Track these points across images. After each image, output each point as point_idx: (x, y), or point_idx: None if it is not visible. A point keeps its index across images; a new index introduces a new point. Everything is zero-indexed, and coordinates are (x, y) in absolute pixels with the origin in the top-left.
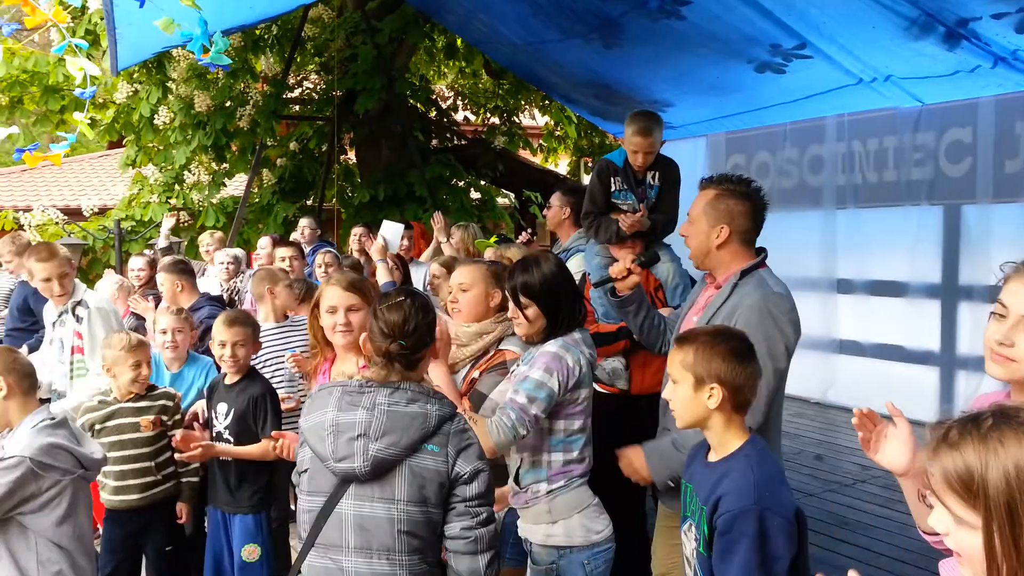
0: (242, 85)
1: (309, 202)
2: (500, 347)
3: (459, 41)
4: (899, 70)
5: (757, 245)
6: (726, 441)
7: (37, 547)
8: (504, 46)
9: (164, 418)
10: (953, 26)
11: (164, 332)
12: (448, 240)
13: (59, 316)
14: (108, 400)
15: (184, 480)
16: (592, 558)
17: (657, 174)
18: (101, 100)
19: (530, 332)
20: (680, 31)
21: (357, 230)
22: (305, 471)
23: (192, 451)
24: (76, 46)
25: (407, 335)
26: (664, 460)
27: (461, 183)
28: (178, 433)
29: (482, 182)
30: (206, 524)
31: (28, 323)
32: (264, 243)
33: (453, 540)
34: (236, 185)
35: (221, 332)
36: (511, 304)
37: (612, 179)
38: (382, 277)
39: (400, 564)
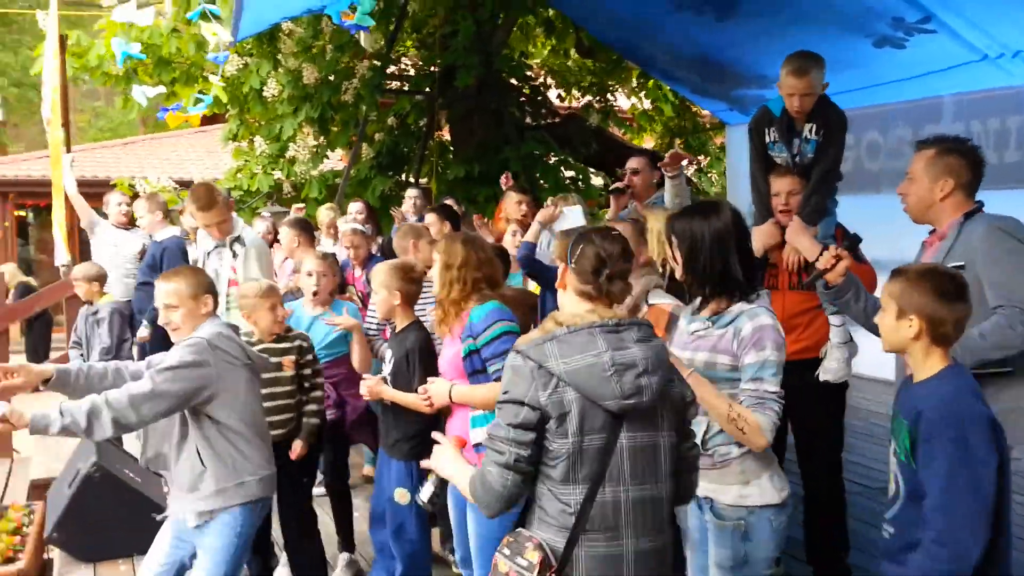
0: (347, 59)
1: (404, 177)
2: (649, 301)
3: (555, 18)
4: None
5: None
6: (926, 368)
7: (224, 432)
8: (607, 21)
9: (299, 359)
10: None
11: (310, 275)
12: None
13: (214, 248)
14: (252, 341)
15: (304, 419)
16: (776, 515)
17: (815, 127)
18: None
19: (683, 277)
20: (798, 3)
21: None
22: (564, 414)
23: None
24: (210, 12)
25: (624, 265)
26: (972, 347)
27: (555, 160)
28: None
29: (573, 160)
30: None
31: (154, 278)
32: (358, 207)
33: (685, 461)
34: (334, 159)
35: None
36: (668, 246)
37: (767, 130)
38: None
39: (662, 487)
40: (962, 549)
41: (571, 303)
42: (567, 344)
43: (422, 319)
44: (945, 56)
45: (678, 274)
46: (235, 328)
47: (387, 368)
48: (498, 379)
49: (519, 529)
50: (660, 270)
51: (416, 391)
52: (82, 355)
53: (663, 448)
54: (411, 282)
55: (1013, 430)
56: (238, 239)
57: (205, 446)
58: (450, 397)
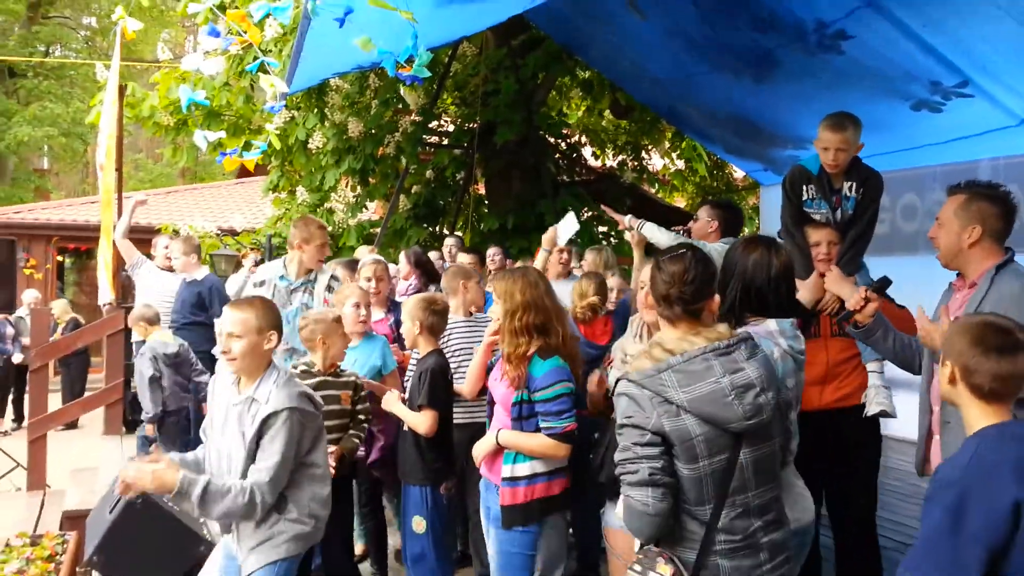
0: (390, 113)
1: (440, 228)
2: None
3: (593, 78)
4: None
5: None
6: (969, 421)
7: (305, 482)
8: (645, 81)
9: (354, 395)
10: None
11: (357, 306)
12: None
13: (301, 284)
14: (312, 372)
15: (347, 434)
16: (796, 536)
17: (854, 185)
18: (257, 126)
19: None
20: (836, 66)
21: (492, 250)
22: (689, 441)
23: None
24: (268, 64)
25: (687, 283)
26: None
27: (589, 214)
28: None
29: (606, 216)
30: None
31: (202, 316)
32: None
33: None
34: (371, 209)
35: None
36: None
37: (805, 187)
38: (539, 263)
39: (777, 485)
40: None
41: (663, 330)
42: (684, 374)
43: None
44: (982, 120)
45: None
46: (297, 367)
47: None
48: (550, 435)
49: (648, 546)
50: None
51: (418, 409)
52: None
53: (777, 452)
54: (433, 314)
55: None
56: (333, 276)
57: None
58: (496, 440)
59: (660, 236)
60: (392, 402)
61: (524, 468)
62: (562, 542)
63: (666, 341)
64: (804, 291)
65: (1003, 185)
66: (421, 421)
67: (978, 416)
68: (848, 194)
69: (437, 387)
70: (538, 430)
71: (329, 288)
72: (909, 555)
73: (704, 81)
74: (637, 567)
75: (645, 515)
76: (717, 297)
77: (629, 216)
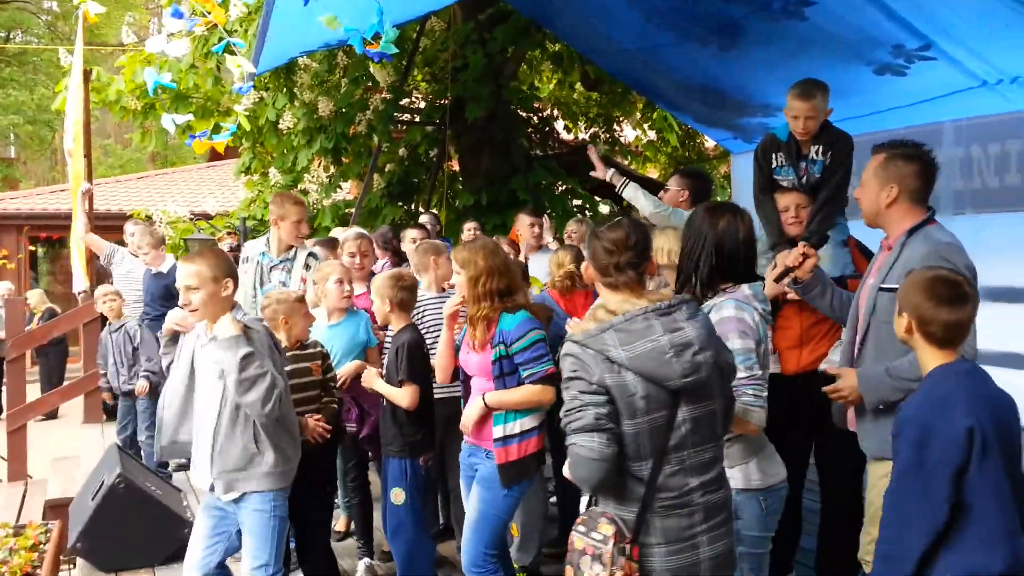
0: (360, 92)
1: (415, 206)
2: None
3: (563, 51)
4: None
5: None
6: (925, 364)
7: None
8: (614, 53)
9: (322, 364)
10: None
11: (340, 282)
12: (554, 239)
13: (280, 261)
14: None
15: (323, 403)
16: (767, 496)
17: (821, 148)
18: (225, 108)
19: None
20: (800, 33)
21: (469, 225)
22: (630, 397)
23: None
24: (233, 45)
25: (629, 248)
26: (875, 384)
27: (562, 188)
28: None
29: (580, 190)
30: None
31: (171, 307)
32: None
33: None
34: (345, 189)
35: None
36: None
37: (774, 155)
38: None
39: (718, 447)
40: (904, 550)
41: (604, 295)
42: (626, 332)
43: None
44: (945, 83)
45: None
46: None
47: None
48: (533, 381)
49: (591, 507)
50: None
51: (399, 385)
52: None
53: (718, 413)
54: (401, 290)
55: None
56: (311, 254)
57: (262, 432)
58: (484, 403)
59: (643, 200)
60: (372, 379)
61: (515, 426)
62: (540, 510)
63: (609, 303)
64: (780, 262)
65: (925, 145)
66: (403, 396)
67: (931, 360)
68: (815, 158)
69: (415, 360)
70: (521, 383)
71: (307, 266)
72: (887, 492)
73: (671, 51)
74: (581, 528)
75: (591, 460)
76: (654, 260)
77: (612, 171)
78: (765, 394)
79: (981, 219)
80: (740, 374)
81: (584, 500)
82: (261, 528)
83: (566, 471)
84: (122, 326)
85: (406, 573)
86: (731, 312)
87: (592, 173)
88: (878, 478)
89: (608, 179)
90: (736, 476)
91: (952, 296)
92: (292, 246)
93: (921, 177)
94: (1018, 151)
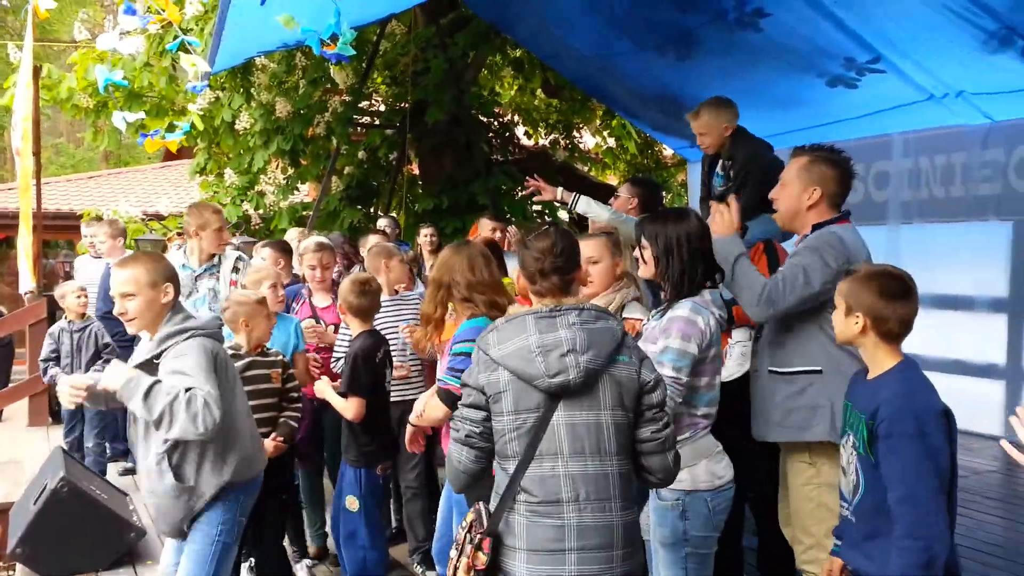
0: (319, 93)
1: (374, 209)
2: (624, 315)
3: (524, 57)
4: (972, 85)
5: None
6: (878, 362)
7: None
8: (573, 60)
9: (283, 373)
10: None
11: (274, 287)
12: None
13: (204, 270)
14: (240, 354)
15: (282, 419)
16: (714, 497)
17: (726, 163)
18: (180, 107)
19: (650, 274)
20: (755, 44)
21: (426, 230)
22: (499, 393)
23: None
24: (189, 43)
25: (556, 256)
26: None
27: (522, 193)
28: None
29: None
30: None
31: None
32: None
33: (645, 443)
34: (303, 191)
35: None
36: (638, 247)
37: (708, 166)
38: None
39: (609, 463)
40: (934, 535)
41: (534, 303)
42: (503, 331)
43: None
44: (894, 96)
45: (647, 273)
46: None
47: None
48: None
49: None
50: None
51: (344, 395)
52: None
53: (607, 426)
54: (361, 295)
55: (817, 424)
56: (239, 257)
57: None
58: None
59: (598, 210)
60: (323, 389)
61: None
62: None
63: (512, 309)
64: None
65: (844, 151)
66: (346, 408)
67: (886, 357)
68: (719, 172)
69: (358, 372)
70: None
71: (235, 269)
72: (896, 514)
73: (629, 59)
74: (463, 513)
75: (456, 470)
76: (585, 270)
77: (561, 189)
78: (678, 399)
79: (927, 228)
80: (665, 372)
81: None
82: (202, 549)
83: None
84: (87, 326)
85: None
86: (684, 313)
87: (537, 199)
88: (801, 483)
89: (559, 198)
90: (684, 478)
91: (902, 291)
92: (214, 254)
93: (842, 183)
94: (963, 163)
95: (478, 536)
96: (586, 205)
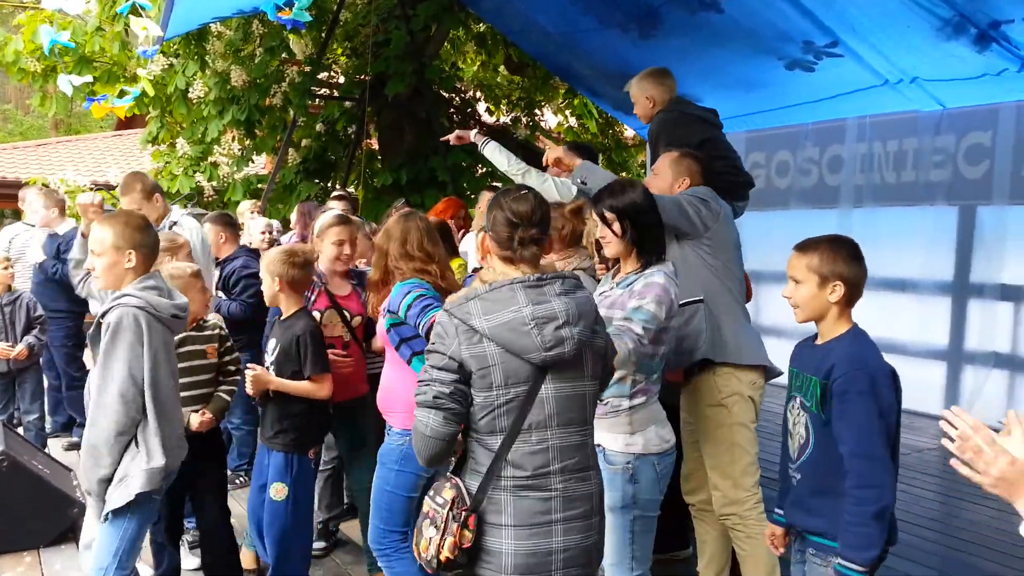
0: (276, 63)
1: (331, 183)
2: None
3: (487, 32)
4: (926, 72)
5: None
6: (837, 329)
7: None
8: (536, 36)
9: (220, 346)
10: (985, 28)
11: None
12: None
13: None
14: None
15: (216, 394)
16: (660, 460)
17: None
18: (132, 73)
19: (619, 251)
20: (716, 24)
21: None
22: (486, 368)
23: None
24: (140, 7)
25: (534, 224)
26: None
27: (482, 171)
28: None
29: (500, 172)
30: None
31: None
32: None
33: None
34: (259, 164)
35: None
36: (600, 226)
37: None
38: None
39: (587, 433)
40: (884, 487)
41: (497, 266)
42: (489, 301)
43: None
44: (851, 80)
45: (613, 249)
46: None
47: (269, 358)
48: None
49: (448, 475)
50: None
51: (308, 379)
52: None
53: (588, 396)
54: (293, 267)
55: (703, 345)
56: (175, 223)
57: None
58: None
59: (499, 157)
60: (268, 379)
61: None
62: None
63: (485, 275)
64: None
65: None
66: (318, 388)
67: (845, 322)
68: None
69: (320, 350)
70: (414, 356)
71: None
72: (850, 466)
73: (593, 37)
74: (431, 492)
75: (423, 436)
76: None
77: (475, 131)
78: (635, 358)
79: (879, 212)
80: (634, 327)
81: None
82: (112, 528)
83: None
84: (17, 298)
85: (280, 570)
86: (661, 280)
87: (454, 141)
88: (713, 427)
89: (472, 139)
90: (637, 441)
91: (859, 254)
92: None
93: (704, 176)
94: (915, 148)
95: (462, 513)
96: (491, 152)
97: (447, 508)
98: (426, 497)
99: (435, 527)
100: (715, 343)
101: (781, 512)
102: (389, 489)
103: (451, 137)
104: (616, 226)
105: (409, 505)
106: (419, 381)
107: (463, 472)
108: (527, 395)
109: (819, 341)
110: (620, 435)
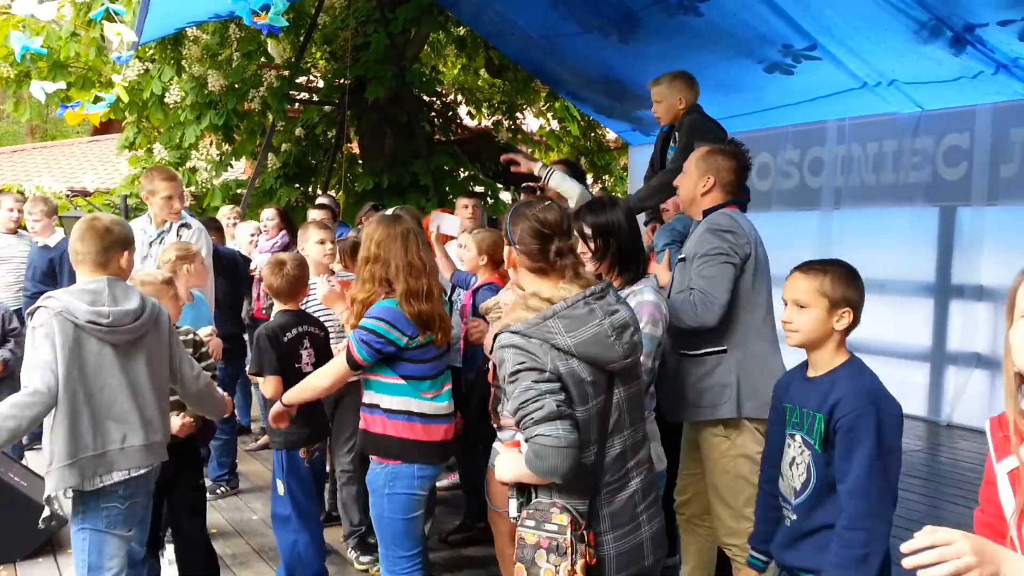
0: (254, 67)
1: (312, 188)
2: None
3: (467, 36)
4: (904, 74)
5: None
6: (834, 359)
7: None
8: (517, 39)
9: (194, 353)
10: (960, 31)
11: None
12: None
13: (158, 236)
14: None
15: None
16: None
17: (677, 135)
18: (107, 79)
19: (595, 268)
20: (696, 28)
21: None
22: (581, 382)
23: None
24: (113, 12)
25: (565, 233)
26: None
27: (464, 175)
28: None
29: (482, 176)
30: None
31: (51, 286)
32: (269, 214)
33: None
34: (238, 169)
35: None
36: (580, 244)
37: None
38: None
39: (643, 427)
40: (874, 532)
41: (533, 282)
42: (569, 319)
43: None
44: (829, 83)
45: (590, 266)
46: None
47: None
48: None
49: (534, 500)
50: None
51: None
52: None
53: (643, 392)
54: (280, 277)
55: (727, 402)
56: (184, 224)
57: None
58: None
59: (570, 185)
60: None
61: (375, 397)
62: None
63: (543, 291)
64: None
65: (743, 144)
66: (263, 386)
67: (839, 354)
68: (673, 144)
69: (263, 353)
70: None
71: (179, 237)
72: (844, 505)
73: (574, 40)
74: (530, 523)
75: (559, 449)
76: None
77: (539, 163)
78: (647, 380)
79: (860, 214)
80: (644, 362)
81: (513, 502)
82: (74, 542)
83: (506, 465)
84: None
85: (290, 563)
86: (651, 297)
87: (515, 168)
88: (718, 456)
89: (536, 172)
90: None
91: (862, 281)
92: (167, 220)
93: (736, 172)
94: (893, 150)
95: (583, 532)
96: (558, 181)
97: (568, 532)
98: (522, 528)
99: (558, 554)
100: (740, 400)
101: (761, 557)
102: (387, 516)
103: (514, 160)
104: (591, 243)
105: (411, 527)
106: (522, 403)
107: (550, 492)
108: (605, 403)
109: (813, 372)
110: None
